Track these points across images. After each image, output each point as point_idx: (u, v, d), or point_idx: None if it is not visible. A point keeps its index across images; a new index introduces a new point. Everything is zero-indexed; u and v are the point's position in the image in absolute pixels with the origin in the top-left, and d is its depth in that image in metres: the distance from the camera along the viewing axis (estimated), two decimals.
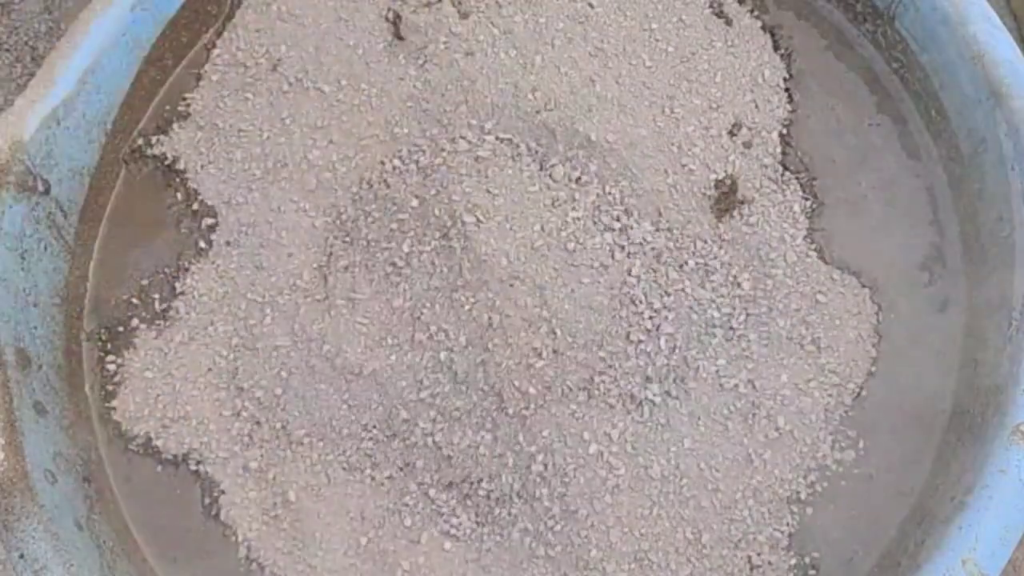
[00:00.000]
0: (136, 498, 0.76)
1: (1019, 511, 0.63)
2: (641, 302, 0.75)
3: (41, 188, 0.78)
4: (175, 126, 0.86)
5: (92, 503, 0.74)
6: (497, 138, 0.80)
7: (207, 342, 0.79)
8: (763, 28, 0.86)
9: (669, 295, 0.76)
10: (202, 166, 0.84)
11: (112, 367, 0.80)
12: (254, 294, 0.79)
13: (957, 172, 0.79)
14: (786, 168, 0.81)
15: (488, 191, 0.77)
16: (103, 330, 0.81)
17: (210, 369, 0.78)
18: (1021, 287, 0.71)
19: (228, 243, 0.81)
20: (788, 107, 0.83)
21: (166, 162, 0.85)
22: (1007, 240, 0.73)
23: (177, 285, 0.81)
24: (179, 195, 0.84)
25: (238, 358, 0.78)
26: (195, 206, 0.83)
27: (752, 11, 0.86)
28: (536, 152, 0.80)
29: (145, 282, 0.82)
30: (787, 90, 0.83)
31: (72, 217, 0.81)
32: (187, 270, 0.81)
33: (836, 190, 0.80)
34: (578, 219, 0.78)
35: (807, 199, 0.80)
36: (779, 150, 0.81)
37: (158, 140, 0.86)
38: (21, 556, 0.66)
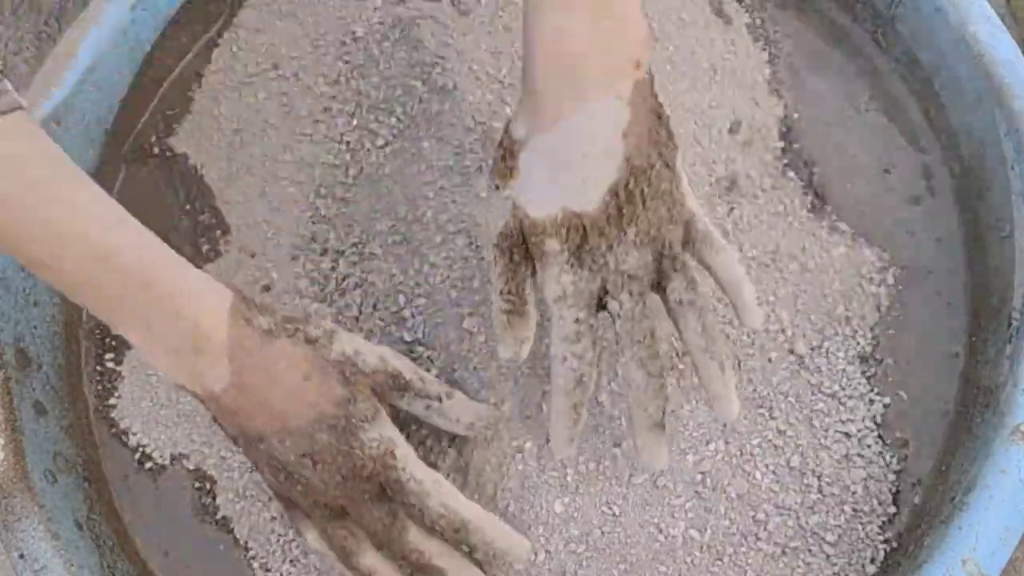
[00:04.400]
0: (134, 497, 0.76)
1: (1019, 511, 0.63)
2: None
3: None
4: (175, 126, 0.86)
5: (92, 503, 0.74)
6: None
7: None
8: (763, 26, 0.86)
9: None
10: (202, 164, 0.84)
11: (111, 364, 0.80)
12: (252, 294, 0.79)
13: (957, 172, 0.80)
14: (786, 165, 0.81)
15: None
16: (102, 327, 0.81)
17: None
18: (1021, 287, 0.71)
19: (227, 242, 0.82)
20: (787, 105, 0.83)
21: (166, 161, 0.85)
22: (1007, 240, 0.73)
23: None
24: (180, 195, 0.84)
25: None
26: (195, 205, 0.84)
27: (752, 10, 0.86)
28: None
29: None
30: (786, 88, 0.83)
31: None
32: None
33: (836, 187, 0.80)
34: None
35: (807, 194, 0.79)
36: (779, 147, 0.81)
37: (157, 139, 0.86)
38: (21, 556, 0.66)
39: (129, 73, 0.84)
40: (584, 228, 0.59)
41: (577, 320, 0.61)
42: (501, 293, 0.63)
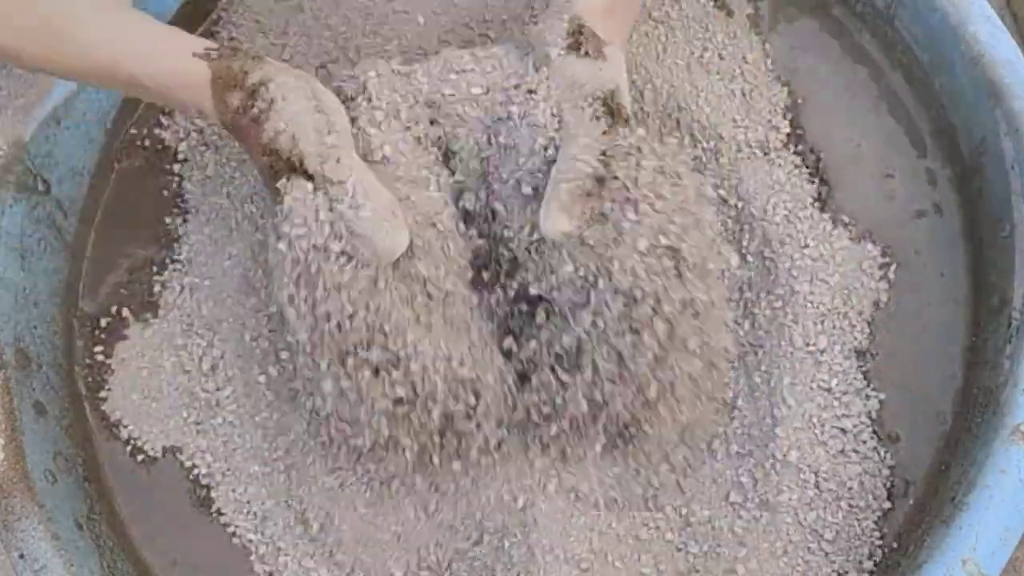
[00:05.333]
0: (130, 493, 0.77)
1: (1019, 511, 0.63)
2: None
3: (41, 188, 0.78)
4: (163, 119, 0.86)
5: (92, 503, 0.74)
6: None
7: (189, 333, 0.79)
8: (765, 20, 0.86)
9: None
10: (185, 159, 0.84)
11: (100, 357, 0.80)
12: (225, 286, 0.80)
13: (957, 172, 0.80)
14: (795, 153, 0.81)
15: None
16: (92, 319, 0.81)
17: (188, 366, 0.79)
18: (1021, 287, 0.71)
19: (204, 233, 0.82)
20: (790, 99, 0.83)
21: (156, 153, 0.85)
22: (1007, 240, 0.73)
23: (164, 275, 0.82)
24: (165, 193, 0.84)
25: (217, 349, 0.79)
26: (182, 198, 0.84)
27: (754, 2, 0.86)
28: None
29: (134, 274, 0.82)
30: (788, 83, 0.83)
31: (72, 217, 0.81)
32: (167, 264, 0.82)
33: (838, 183, 0.80)
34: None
35: (812, 182, 0.80)
36: (785, 132, 0.81)
37: (148, 133, 0.86)
38: (21, 556, 0.67)
39: None
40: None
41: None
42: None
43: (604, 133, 0.66)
